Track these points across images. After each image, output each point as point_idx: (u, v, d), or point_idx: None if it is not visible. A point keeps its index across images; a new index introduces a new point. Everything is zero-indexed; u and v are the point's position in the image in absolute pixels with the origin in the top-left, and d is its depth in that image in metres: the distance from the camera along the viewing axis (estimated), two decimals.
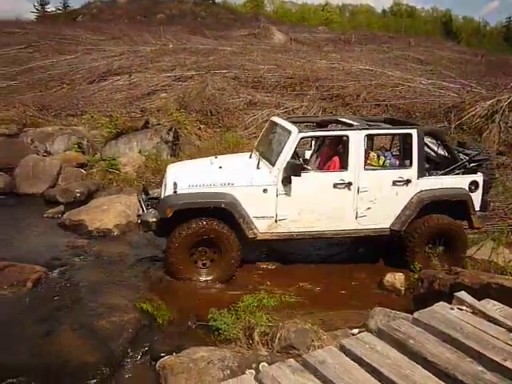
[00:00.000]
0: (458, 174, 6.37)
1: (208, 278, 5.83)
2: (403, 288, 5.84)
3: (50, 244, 7.04)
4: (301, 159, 6.63)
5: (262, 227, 5.90)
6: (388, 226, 6.19)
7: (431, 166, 6.73)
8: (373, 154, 6.71)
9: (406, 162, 6.28)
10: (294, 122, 6.46)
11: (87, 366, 4.18)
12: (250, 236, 5.81)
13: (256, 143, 7.16)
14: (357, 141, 5.94)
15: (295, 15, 46.73)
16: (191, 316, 5.05)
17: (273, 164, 5.91)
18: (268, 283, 5.82)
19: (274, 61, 17.63)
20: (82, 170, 10.54)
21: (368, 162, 6.34)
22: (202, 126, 11.79)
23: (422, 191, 6.15)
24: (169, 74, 16.58)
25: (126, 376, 4.18)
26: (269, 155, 6.19)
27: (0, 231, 7.33)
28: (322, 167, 6.47)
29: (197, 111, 12.39)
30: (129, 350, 4.45)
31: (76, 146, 11.34)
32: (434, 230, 6.22)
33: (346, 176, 5.96)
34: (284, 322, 4.54)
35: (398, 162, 6.46)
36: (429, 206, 6.16)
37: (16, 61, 21.65)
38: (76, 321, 4.79)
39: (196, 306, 5.26)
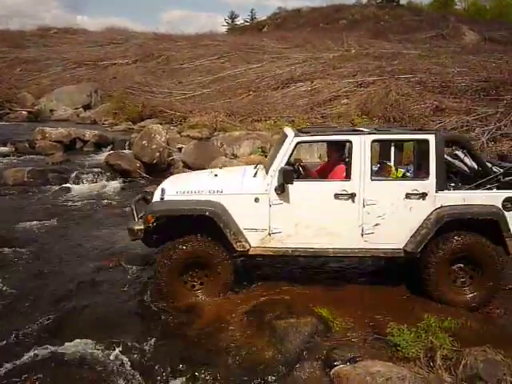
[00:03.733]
0: (489, 188, 5.38)
1: (200, 298, 5.37)
2: None
3: None
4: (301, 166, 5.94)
5: (254, 241, 5.31)
6: (401, 247, 5.31)
7: (458, 179, 5.79)
8: (389, 165, 5.92)
9: (422, 173, 5.39)
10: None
11: (266, 361, 4.39)
12: (239, 249, 5.25)
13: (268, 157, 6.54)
14: (361, 147, 5.23)
15: (490, 12, 42.57)
16: (367, 327, 4.93)
17: (267, 171, 5.38)
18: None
19: (465, 63, 16.46)
20: None
21: (383, 173, 5.71)
22: None
23: (442, 207, 5.20)
24: (350, 80, 16.62)
25: (300, 377, 4.24)
26: (268, 165, 5.58)
27: None
28: (325, 176, 5.77)
29: (379, 117, 12.13)
30: (304, 353, 4.52)
31: (260, 149, 12.03)
32: (455, 250, 5.20)
33: (348, 186, 5.24)
34: (471, 349, 4.20)
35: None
36: (452, 225, 5.17)
37: (209, 71, 23.89)
38: (257, 318, 5.01)
39: (372, 318, 5.09)
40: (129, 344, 4.59)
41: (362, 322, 5.02)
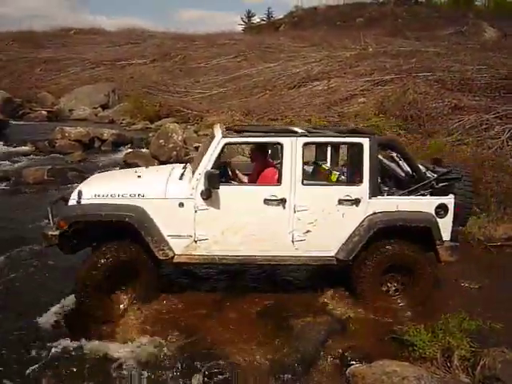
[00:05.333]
0: (422, 194, 5.26)
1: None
2: None
3: None
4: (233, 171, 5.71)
5: (179, 248, 5.03)
6: (333, 255, 5.14)
7: (392, 184, 5.67)
8: (323, 168, 5.74)
9: (355, 178, 5.17)
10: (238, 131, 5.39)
11: (282, 359, 4.40)
12: (161, 257, 4.95)
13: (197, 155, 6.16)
14: (292, 150, 4.98)
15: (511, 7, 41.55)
16: (383, 327, 4.93)
17: (193, 173, 5.10)
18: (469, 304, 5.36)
19: (485, 60, 16.18)
20: None
21: (317, 176, 5.57)
22: (401, 132, 11.42)
23: (374, 213, 5.07)
24: (368, 79, 16.51)
25: (316, 376, 4.26)
26: (195, 167, 5.22)
27: None
28: (255, 180, 5.53)
29: (397, 116, 12.04)
30: (320, 352, 4.53)
31: None
32: (385, 259, 5.13)
33: (278, 191, 5.00)
34: (489, 350, 4.17)
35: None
36: (385, 232, 5.07)
37: (226, 70, 23.92)
38: (273, 317, 5.08)
39: (389, 318, 5.10)
40: (144, 341, 4.62)
41: (378, 322, 5.02)
